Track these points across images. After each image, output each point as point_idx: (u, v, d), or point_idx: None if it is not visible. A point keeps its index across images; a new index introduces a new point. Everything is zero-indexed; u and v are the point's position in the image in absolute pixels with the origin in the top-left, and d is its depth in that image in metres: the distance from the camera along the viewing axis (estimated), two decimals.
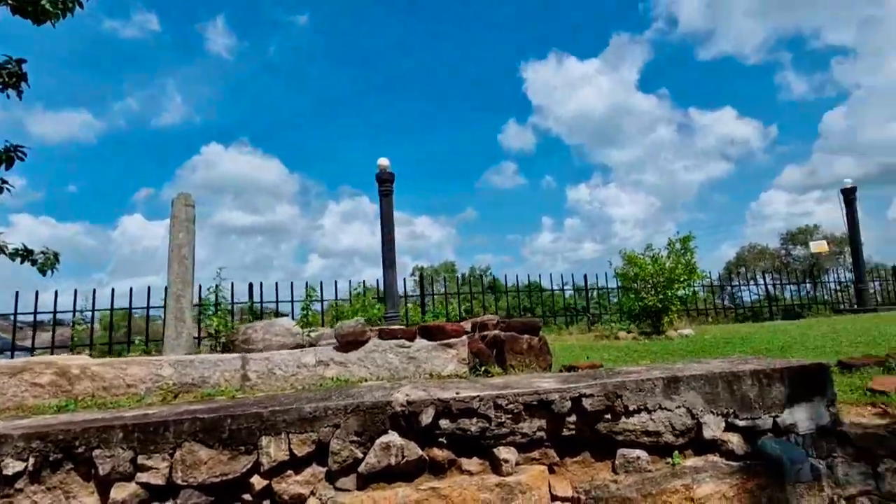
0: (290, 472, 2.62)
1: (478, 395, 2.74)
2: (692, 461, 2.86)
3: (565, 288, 11.31)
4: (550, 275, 14.83)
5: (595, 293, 11.81)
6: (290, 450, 2.60)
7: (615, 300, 11.08)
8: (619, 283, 8.68)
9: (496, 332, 3.93)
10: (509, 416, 2.75)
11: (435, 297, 11.66)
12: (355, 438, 2.63)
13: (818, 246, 13.04)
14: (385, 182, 8.36)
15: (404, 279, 10.79)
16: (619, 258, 8.33)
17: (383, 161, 8.39)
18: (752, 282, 16.64)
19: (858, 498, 2.90)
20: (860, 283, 11.97)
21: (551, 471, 2.82)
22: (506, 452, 2.72)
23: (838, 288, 14.64)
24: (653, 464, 2.84)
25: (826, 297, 14.67)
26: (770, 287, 14.75)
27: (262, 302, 8.98)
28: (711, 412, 2.89)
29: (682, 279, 7.73)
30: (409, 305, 10.12)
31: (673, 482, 2.66)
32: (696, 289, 11.82)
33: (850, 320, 8.39)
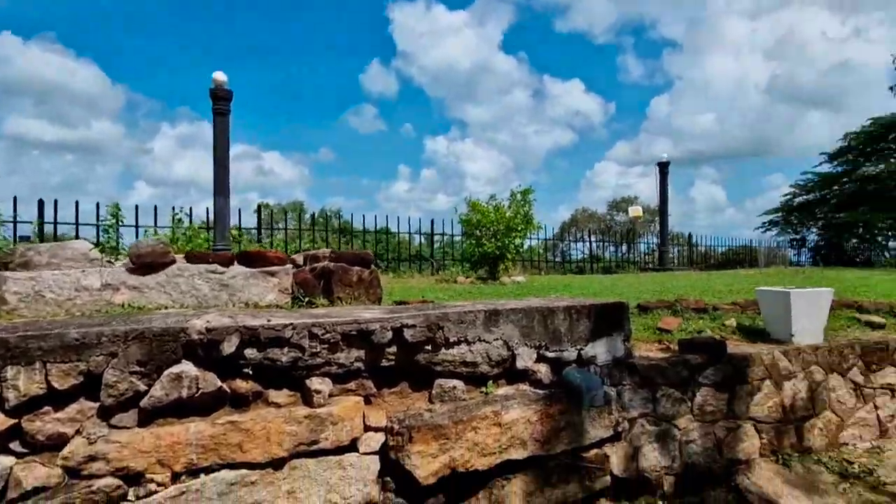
0: (47, 408, 2.17)
1: (291, 324, 2.50)
2: (504, 390, 2.96)
3: (413, 233, 11.35)
4: (398, 218, 14.83)
5: (442, 240, 12.08)
6: (48, 382, 2.14)
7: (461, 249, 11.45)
8: (463, 230, 8.90)
9: (326, 263, 3.69)
10: (325, 346, 2.57)
11: (277, 234, 10.94)
12: (137, 369, 2.25)
13: (634, 211, 14.76)
14: (221, 100, 7.40)
15: (240, 211, 9.93)
16: (465, 205, 8.51)
17: (219, 76, 7.39)
18: (580, 241, 18.50)
19: (638, 420, 3.27)
20: (663, 247, 13.82)
21: (367, 402, 2.72)
22: (319, 383, 2.54)
23: (647, 251, 16.85)
24: (468, 393, 2.89)
25: (636, 258, 16.85)
26: (594, 246, 16.46)
27: (55, 223, 7.58)
28: (526, 344, 3.00)
29: (519, 229, 8.15)
30: (246, 239, 9.36)
31: (483, 409, 2.72)
32: (533, 242, 12.68)
33: (651, 277, 9.65)
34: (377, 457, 2.59)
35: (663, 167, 13.76)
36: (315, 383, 2.53)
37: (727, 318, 4.36)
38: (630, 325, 3.34)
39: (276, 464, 2.40)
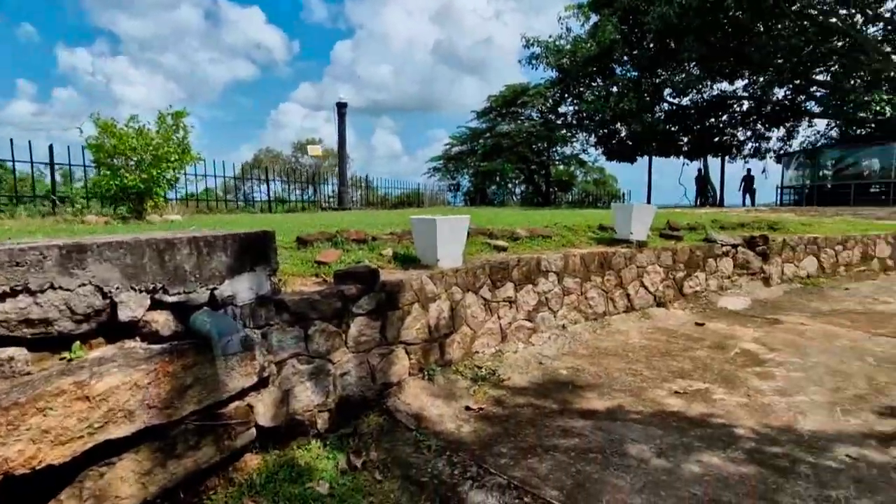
0: None
1: None
2: (100, 351, 2.22)
3: (26, 163, 8.55)
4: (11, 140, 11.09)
5: (71, 172, 9.49)
6: None
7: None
8: (94, 159, 7.04)
9: None
10: None
11: None
12: None
13: (314, 150, 14.60)
14: None
15: None
16: (92, 126, 6.62)
17: None
18: (264, 182, 17.45)
19: (289, 360, 2.97)
20: (342, 187, 14.09)
21: None
22: None
23: (333, 193, 17.05)
24: (39, 363, 2.05)
25: (322, 200, 16.90)
26: (279, 188, 15.75)
27: None
28: (133, 288, 2.29)
29: (172, 159, 6.87)
30: None
31: (58, 382, 1.95)
32: (214, 182, 11.15)
33: (329, 214, 9.63)
34: None
35: (341, 107, 13.82)
36: None
37: (385, 247, 4.44)
38: (277, 258, 2.95)
39: None
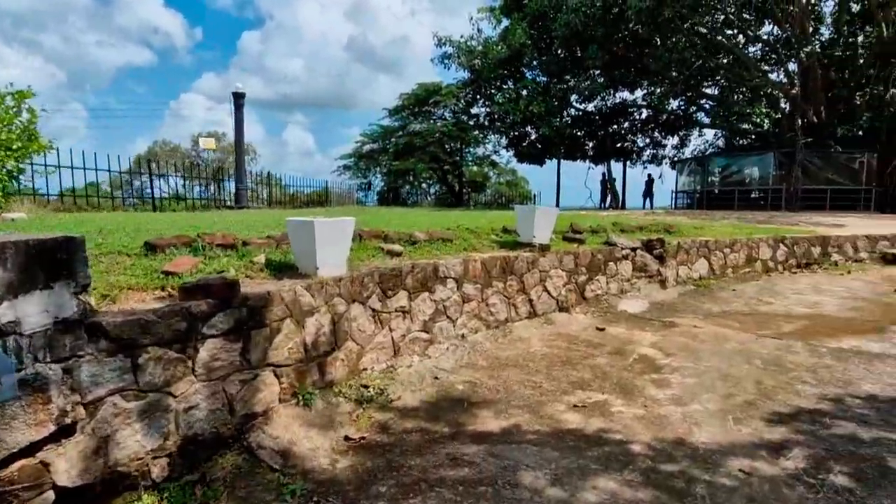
0: None
1: None
2: None
3: None
4: None
5: None
6: None
7: None
8: None
9: None
10: None
11: None
12: None
13: (206, 143, 13.46)
14: None
15: None
16: None
17: None
18: (161, 177, 15.84)
19: (108, 399, 2.37)
20: (240, 184, 13.05)
21: None
22: None
23: (234, 190, 15.80)
24: None
25: (227, 198, 15.59)
26: (179, 184, 14.36)
27: None
28: None
29: (15, 147, 5.80)
30: None
31: None
32: (99, 176, 9.79)
33: (219, 214, 8.74)
34: None
35: (238, 98, 12.80)
36: None
37: (258, 253, 3.88)
38: (88, 271, 2.33)
39: None
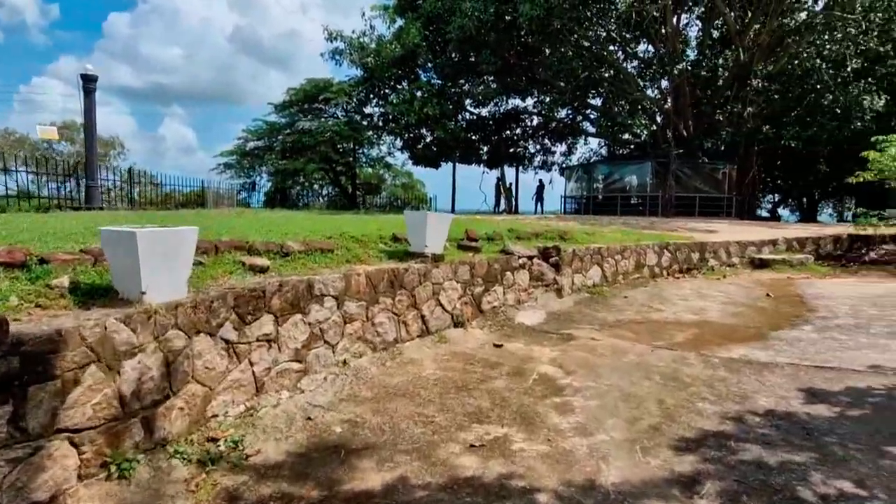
0: None
1: None
2: None
3: None
4: None
5: None
6: None
7: None
8: None
9: None
10: None
11: None
12: None
13: (46, 132, 11.38)
14: None
15: None
16: None
17: None
18: (5, 173, 13.26)
19: None
20: (91, 181, 11.22)
21: None
22: None
23: (109, 188, 13.70)
24: None
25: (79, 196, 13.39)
26: (28, 179, 12.05)
27: None
28: None
29: None
30: None
31: None
32: None
33: (56, 216, 7.23)
34: None
35: (88, 82, 10.98)
36: None
37: (60, 274, 2.91)
38: None
39: None
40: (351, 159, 26.34)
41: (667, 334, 5.68)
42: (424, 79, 24.14)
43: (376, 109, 25.33)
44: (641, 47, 25.89)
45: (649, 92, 25.73)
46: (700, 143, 22.33)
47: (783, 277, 8.96)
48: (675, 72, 21.35)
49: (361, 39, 22.69)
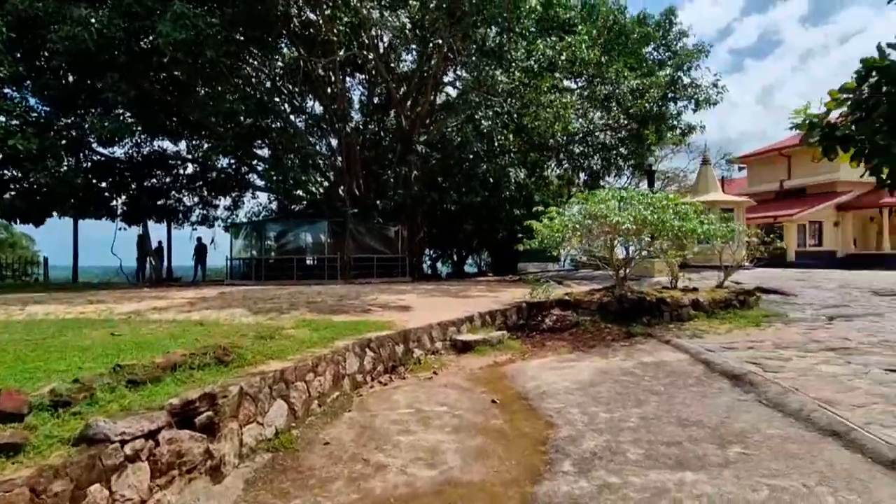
0: None
1: None
2: None
3: None
4: None
5: None
6: None
7: None
8: None
9: None
10: None
11: None
12: None
13: None
14: None
15: None
16: None
17: None
18: None
19: None
20: None
21: None
22: None
23: None
24: None
25: None
26: None
27: None
28: None
29: None
30: None
31: None
32: None
33: None
34: None
35: None
36: None
37: None
38: None
39: None
40: None
41: None
42: (16, 99, 17.22)
43: None
44: (310, 103, 24.80)
45: (320, 148, 24.67)
46: (375, 203, 22.11)
47: (491, 363, 7.96)
48: (349, 129, 20.70)
49: None
